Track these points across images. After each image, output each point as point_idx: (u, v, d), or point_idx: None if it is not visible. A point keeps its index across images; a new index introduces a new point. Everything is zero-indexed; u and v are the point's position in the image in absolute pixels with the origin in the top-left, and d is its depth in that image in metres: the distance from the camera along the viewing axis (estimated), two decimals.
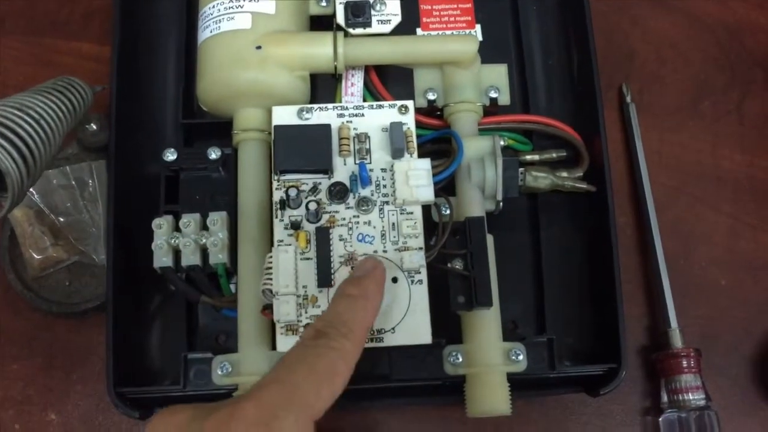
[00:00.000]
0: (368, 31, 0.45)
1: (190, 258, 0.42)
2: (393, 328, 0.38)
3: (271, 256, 0.38)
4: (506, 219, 0.45)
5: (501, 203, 0.43)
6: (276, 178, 0.40)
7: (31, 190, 0.48)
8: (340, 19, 0.45)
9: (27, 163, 0.36)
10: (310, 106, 0.42)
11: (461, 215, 0.42)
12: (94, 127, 0.48)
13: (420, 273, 0.39)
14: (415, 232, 0.39)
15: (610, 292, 0.43)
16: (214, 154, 0.44)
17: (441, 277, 0.40)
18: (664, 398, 0.46)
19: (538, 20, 0.52)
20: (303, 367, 0.30)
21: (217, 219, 0.42)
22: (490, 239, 0.41)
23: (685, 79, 0.55)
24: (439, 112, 0.46)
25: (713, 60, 0.56)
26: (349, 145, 0.41)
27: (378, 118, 0.42)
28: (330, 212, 0.40)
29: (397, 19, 0.46)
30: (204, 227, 0.42)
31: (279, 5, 0.44)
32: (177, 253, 0.42)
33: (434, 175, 0.41)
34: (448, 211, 0.42)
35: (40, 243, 0.47)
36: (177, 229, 0.42)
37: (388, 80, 0.47)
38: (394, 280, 0.39)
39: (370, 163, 0.41)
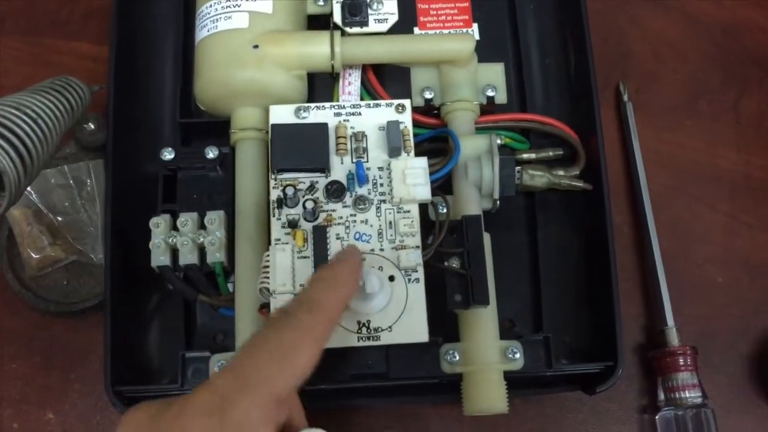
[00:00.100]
0: (365, 30, 0.45)
1: (188, 257, 0.42)
2: (390, 327, 0.38)
3: (268, 255, 0.38)
4: (503, 217, 0.45)
5: (498, 202, 0.43)
6: (273, 176, 0.40)
7: (29, 189, 0.48)
8: (337, 18, 0.45)
9: (24, 162, 0.36)
10: (307, 105, 0.42)
11: (458, 214, 0.42)
12: (92, 126, 0.49)
13: (417, 271, 0.39)
14: (412, 230, 0.39)
15: (607, 290, 0.43)
16: (211, 153, 0.44)
17: (438, 275, 0.40)
18: (661, 396, 0.47)
19: (535, 19, 0.52)
20: (261, 347, 0.29)
21: (215, 218, 0.42)
22: (486, 238, 0.41)
23: (682, 78, 0.55)
24: (436, 111, 0.46)
25: (710, 59, 0.56)
26: (346, 143, 0.41)
27: (375, 117, 0.42)
28: (327, 211, 0.40)
29: (394, 18, 0.46)
30: (201, 226, 0.42)
31: (276, 4, 0.44)
32: (174, 252, 0.42)
33: (431, 173, 0.41)
34: (445, 210, 0.42)
35: (38, 242, 0.47)
36: (174, 228, 0.42)
37: (386, 79, 0.47)
38: (391, 278, 0.39)
39: (367, 161, 0.41)
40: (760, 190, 0.53)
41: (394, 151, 0.41)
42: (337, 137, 0.41)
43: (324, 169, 0.40)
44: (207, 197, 0.44)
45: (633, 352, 0.49)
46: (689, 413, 0.45)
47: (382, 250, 0.39)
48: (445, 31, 0.49)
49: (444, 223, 0.40)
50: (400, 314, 0.38)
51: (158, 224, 0.42)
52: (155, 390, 0.43)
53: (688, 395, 0.45)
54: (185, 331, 0.45)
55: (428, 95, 0.46)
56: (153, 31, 0.51)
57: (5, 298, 0.48)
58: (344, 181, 0.40)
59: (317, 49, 0.44)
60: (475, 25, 0.50)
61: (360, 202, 0.40)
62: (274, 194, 0.40)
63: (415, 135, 0.42)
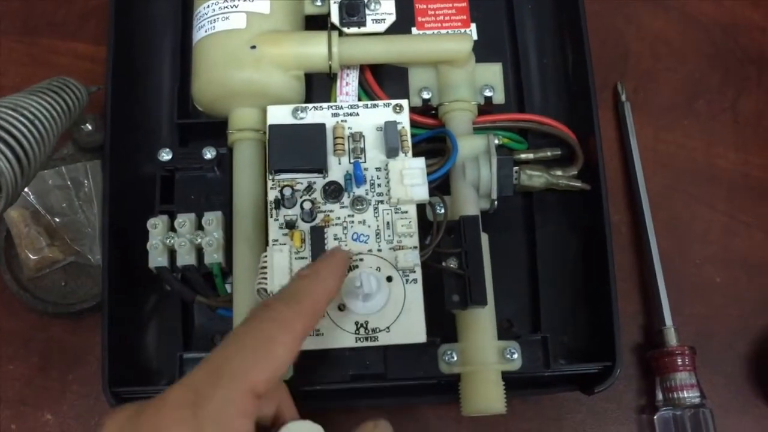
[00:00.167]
0: (363, 30, 0.45)
1: (186, 258, 0.42)
2: (388, 327, 0.38)
3: (266, 256, 0.38)
4: (501, 218, 0.45)
5: (496, 202, 0.43)
6: (271, 177, 0.40)
7: (26, 190, 0.48)
8: (335, 18, 0.45)
9: (21, 163, 0.36)
10: (304, 105, 0.42)
11: (456, 214, 0.42)
12: (90, 127, 0.48)
13: (415, 272, 0.39)
14: (409, 231, 0.39)
15: (605, 290, 0.43)
16: (209, 153, 0.44)
17: (436, 275, 0.40)
18: (659, 396, 0.47)
19: (533, 19, 0.52)
20: (237, 341, 0.29)
21: (212, 219, 0.42)
22: (484, 238, 0.41)
23: (680, 78, 0.55)
24: (433, 111, 0.46)
25: (708, 58, 0.56)
26: (343, 144, 0.41)
27: (373, 118, 0.42)
28: (325, 211, 0.40)
29: (391, 18, 0.46)
30: (199, 227, 0.42)
31: (274, 5, 0.44)
32: (172, 253, 0.42)
33: (429, 173, 0.41)
34: (442, 210, 0.42)
35: (36, 243, 0.47)
36: (172, 229, 0.42)
37: (384, 79, 0.47)
38: (389, 279, 0.39)
39: (365, 162, 0.41)
40: (758, 189, 0.53)
41: (391, 152, 0.41)
42: (335, 138, 0.41)
43: (321, 169, 0.40)
44: (205, 198, 0.44)
45: (631, 352, 0.49)
46: (687, 413, 0.45)
47: (379, 250, 0.39)
48: (443, 31, 0.49)
49: (442, 224, 0.40)
50: (398, 315, 0.38)
51: (156, 225, 0.42)
52: (153, 391, 0.42)
53: (686, 395, 0.45)
54: (183, 332, 0.45)
55: (426, 95, 0.46)
56: (150, 31, 0.51)
57: (3, 300, 0.48)
58: (342, 182, 0.40)
59: (315, 49, 0.43)
60: (473, 25, 0.50)
61: (358, 202, 0.40)
62: (272, 195, 0.40)
63: (412, 135, 0.42)
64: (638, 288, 0.50)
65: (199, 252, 0.42)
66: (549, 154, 0.47)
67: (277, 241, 0.39)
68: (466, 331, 0.41)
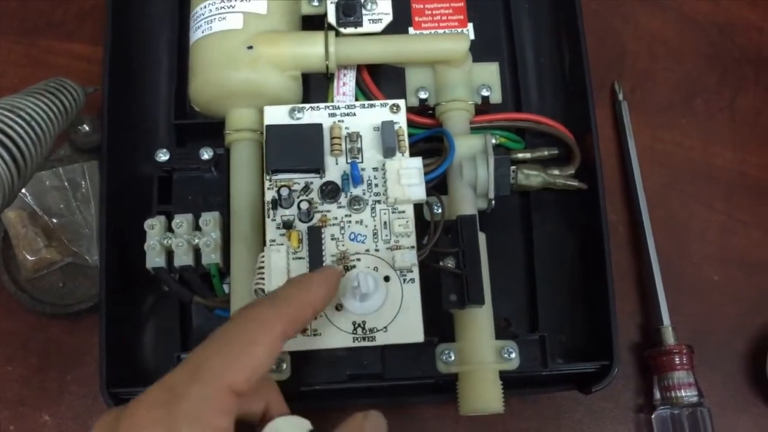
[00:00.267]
0: (359, 30, 0.45)
1: (183, 258, 0.42)
2: (385, 327, 0.38)
3: (263, 256, 0.38)
4: (498, 217, 0.45)
5: (493, 201, 0.43)
6: (268, 177, 0.40)
7: (24, 191, 0.48)
8: (332, 18, 0.45)
9: (18, 164, 0.36)
10: (301, 105, 0.42)
11: (453, 214, 0.42)
12: (87, 128, 0.48)
13: (412, 272, 0.39)
14: (406, 230, 0.39)
15: (603, 289, 0.43)
16: (206, 154, 0.44)
17: (433, 275, 0.40)
18: (657, 395, 0.47)
19: (530, 18, 0.52)
20: (216, 340, 0.30)
21: (210, 219, 0.42)
22: (482, 237, 0.41)
23: (677, 77, 0.55)
24: (430, 111, 0.46)
25: (705, 58, 0.56)
26: (340, 144, 0.41)
27: (370, 117, 0.42)
28: (322, 211, 0.40)
29: (388, 18, 0.46)
30: (197, 227, 0.42)
31: (270, 5, 0.44)
32: (170, 254, 0.42)
33: (426, 173, 0.41)
34: (439, 210, 0.42)
35: (34, 244, 0.47)
36: (170, 229, 0.42)
37: (381, 79, 0.47)
38: (386, 278, 0.39)
39: (362, 162, 0.41)
40: (756, 188, 0.53)
41: (388, 152, 0.41)
42: (332, 138, 0.41)
43: (319, 169, 0.40)
44: (202, 198, 0.44)
45: (629, 351, 0.49)
46: (685, 412, 0.45)
47: (377, 250, 0.39)
48: (440, 31, 0.49)
49: (439, 223, 0.40)
50: (395, 315, 0.38)
51: (153, 226, 0.42)
52: None
53: (684, 394, 0.45)
54: (180, 333, 0.45)
55: (423, 95, 0.46)
56: (148, 31, 0.50)
57: (1, 301, 0.48)
58: (339, 182, 0.40)
59: (311, 49, 0.43)
60: (470, 25, 0.50)
61: (355, 202, 0.40)
62: (269, 195, 0.40)
63: (409, 135, 0.42)
64: (636, 287, 0.50)
65: (197, 252, 0.42)
66: (546, 153, 0.47)
67: (274, 241, 0.39)
68: (463, 331, 0.41)
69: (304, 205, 0.39)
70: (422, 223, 0.41)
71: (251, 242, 0.41)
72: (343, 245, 0.39)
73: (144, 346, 0.45)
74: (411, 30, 0.49)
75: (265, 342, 0.30)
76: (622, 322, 0.45)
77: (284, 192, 0.39)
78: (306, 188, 0.40)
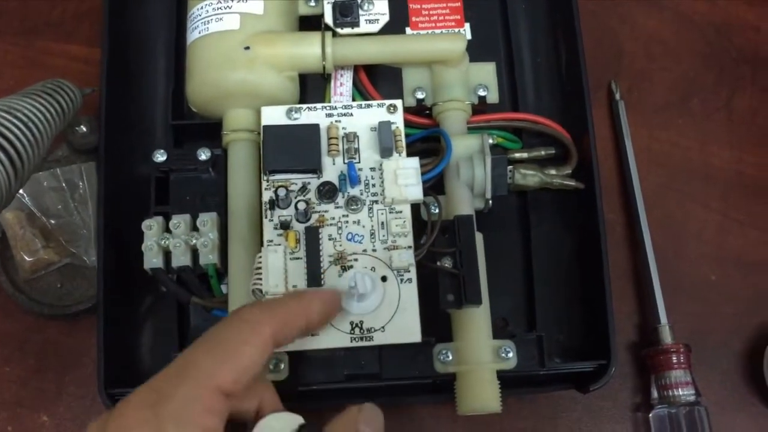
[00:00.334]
0: (356, 30, 0.45)
1: (181, 259, 0.42)
2: (383, 327, 0.38)
3: (260, 256, 0.38)
4: (496, 217, 0.45)
5: (490, 201, 0.43)
6: (265, 178, 0.40)
7: (21, 192, 0.48)
8: (328, 18, 0.45)
9: (15, 165, 0.36)
10: (298, 106, 0.42)
11: (450, 214, 0.42)
12: (84, 129, 0.48)
13: (409, 272, 0.39)
14: (404, 230, 0.40)
15: (600, 289, 0.43)
16: (203, 155, 0.44)
17: (430, 275, 0.40)
18: (654, 394, 0.47)
19: (527, 18, 0.52)
20: (205, 341, 0.30)
21: (207, 220, 0.42)
22: (479, 237, 0.42)
23: (674, 77, 0.55)
24: (428, 111, 0.46)
25: (702, 57, 0.56)
26: (337, 144, 0.41)
27: (367, 118, 0.42)
28: (319, 212, 0.40)
29: (385, 19, 0.46)
30: (194, 228, 0.42)
31: (267, 6, 0.44)
32: (167, 255, 0.42)
33: (423, 173, 0.41)
34: (437, 210, 0.42)
35: (32, 245, 0.47)
36: (167, 230, 0.42)
37: (378, 79, 0.47)
38: (384, 279, 0.39)
39: (359, 162, 0.41)
40: (752, 187, 0.53)
41: (385, 152, 0.41)
42: (329, 138, 0.41)
43: (316, 170, 0.40)
44: (200, 199, 0.44)
45: (626, 350, 0.49)
46: (682, 411, 0.45)
47: (374, 250, 0.39)
48: (437, 31, 0.49)
49: (436, 223, 0.40)
50: (392, 314, 0.38)
51: (151, 226, 0.42)
52: None
53: (681, 393, 0.45)
54: (178, 333, 0.45)
55: (420, 95, 0.46)
56: (145, 32, 0.51)
57: None
58: (336, 182, 0.40)
59: (308, 50, 0.44)
60: (467, 25, 0.50)
61: (352, 202, 0.40)
62: (266, 195, 0.40)
63: (407, 135, 0.42)
64: (633, 286, 0.50)
65: (194, 253, 0.42)
66: (543, 153, 0.47)
67: (271, 241, 0.39)
68: (461, 331, 0.41)
69: (302, 206, 0.39)
70: (419, 223, 0.41)
71: (249, 242, 0.41)
72: (340, 245, 0.39)
73: (142, 347, 0.45)
74: (408, 30, 0.49)
75: (254, 343, 0.30)
76: (619, 322, 0.45)
77: (281, 192, 0.39)
78: (303, 188, 0.40)
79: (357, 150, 0.41)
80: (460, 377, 0.40)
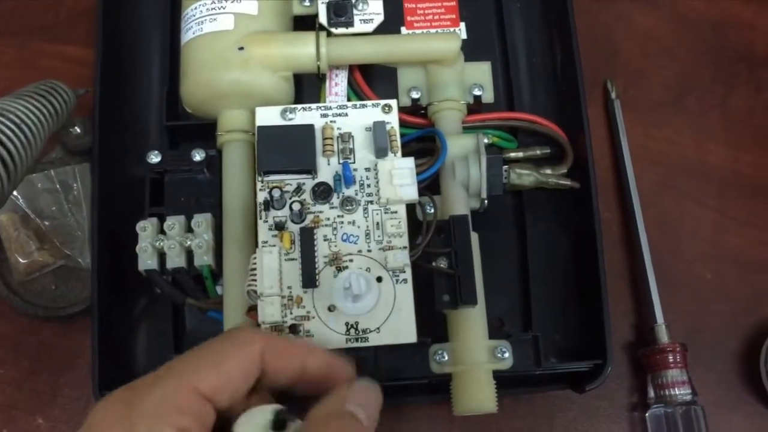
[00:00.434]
0: (351, 30, 0.45)
1: (175, 260, 0.42)
2: (378, 328, 0.38)
3: (255, 258, 0.38)
4: (491, 217, 0.45)
5: (486, 201, 0.43)
6: (260, 179, 0.40)
7: (15, 194, 0.48)
8: (323, 18, 0.45)
9: (7, 168, 0.36)
10: (293, 106, 0.42)
11: (446, 214, 0.42)
12: (78, 130, 0.48)
13: (405, 272, 0.39)
14: (399, 231, 0.39)
15: (596, 288, 0.43)
16: (198, 155, 0.44)
17: (426, 275, 0.40)
18: (651, 394, 0.47)
19: (522, 17, 0.52)
20: (192, 350, 0.30)
21: (202, 221, 0.42)
22: (475, 237, 0.41)
23: (670, 75, 0.55)
24: (423, 111, 0.46)
25: (698, 55, 0.56)
26: (332, 144, 0.41)
27: (361, 118, 0.42)
28: (314, 212, 0.40)
29: (379, 18, 0.46)
30: (189, 229, 0.42)
31: (261, 6, 0.44)
32: (162, 256, 0.42)
33: (418, 173, 0.41)
34: (432, 210, 0.42)
35: (26, 247, 0.47)
36: (162, 231, 0.42)
37: (373, 79, 0.47)
38: (379, 279, 0.39)
39: (354, 162, 0.41)
40: (749, 186, 0.53)
41: (380, 152, 0.41)
42: (324, 138, 0.41)
43: (311, 170, 0.40)
44: (194, 200, 0.44)
45: (622, 349, 0.49)
46: (679, 410, 0.45)
47: (369, 251, 0.39)
48: (432, 31, 0.49)
49: (431, 224, 0.40)
50: (388, 315, 0.38)
51: (145, 228, 0.42)
52: None
53: (677, 392, 0.45)
54: (174, 335, 0.44)
55: (415, 95, 0.46)
56: (139, 33, 0.50)
57: None
58: (331, 183, 0.40)
59: (302, 50, 0.43)
60: (462, 24, 0.50)
61: (347, 203, 0.40)
62: (261, 196, 0.40)
63: (402, 135, 0.42)
64: (629, 286, 0.50)
65: (189, 254, 0.42)
66: (538, 152, 0.47)
67: (266, 242, 0.39)
68: (456, 331, 0.41)
69: (296, 206, 0.39)
70: (415, 224, 0.41)
71: (244, 243, 0.41)
72: (335, 246, 0.39)
73: (137, 349, 0.45)
74: (403, 30, 0.49)
75: (240, 356, 0.30)
76: (615, 321, 0.45)
77: (276, 193, 0.39)
78: (298, 189, 0.40)
79: (352, 150, 0.41)
80: (456, 377, 0.40)
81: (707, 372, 0.48)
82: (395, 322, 0.38)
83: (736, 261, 0.51)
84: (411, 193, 0.40)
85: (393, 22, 0.48)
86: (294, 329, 0.38)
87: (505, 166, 0.44)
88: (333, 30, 0.45)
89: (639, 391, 0.48)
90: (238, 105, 0.44)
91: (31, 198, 0.48)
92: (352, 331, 0.38)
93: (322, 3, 0.45)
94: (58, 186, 0.48)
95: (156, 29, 0.50)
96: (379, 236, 0.39)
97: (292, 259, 0.39)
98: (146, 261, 0.42)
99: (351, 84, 0.46)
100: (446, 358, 0.41)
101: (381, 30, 0.46)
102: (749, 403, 0.48)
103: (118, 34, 0.49)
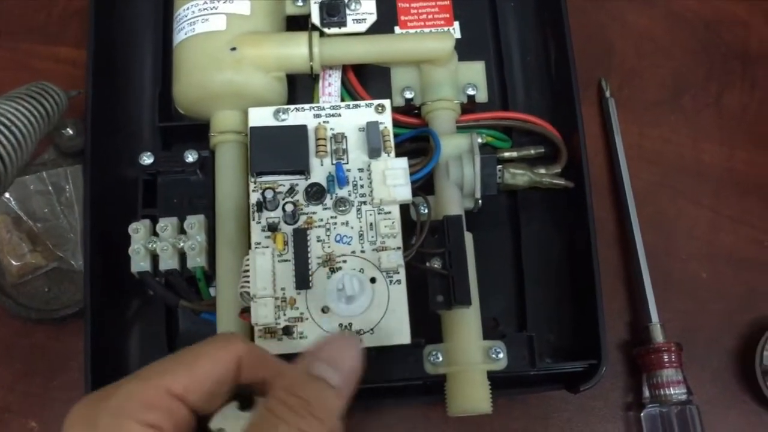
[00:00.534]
0: (343, 30, 0.45)
1: (168, 262, 0.41)
2: (372, 329, 0.38)
3: (248, 259, 0.38)
4: (486, 216, 0.45)
5: (480, 201, 0.43)
6: (253, 180, 0.40)
7: (8, 196, 0.47)
8: (315, 18, 0.45)
9: None
10: (286, 107, 0.42)
11: (440, 214, 0.41)
12: (71, 131, 0.48)
13: (398, 273, 0.39)
14: (392, 231, 0.39)
15: (590, 288, 0.43)
16: (191, 156, 0.44)
17: (420, 276, 0.40)
18: (646, 393, 0.46)
19: (516, 16, 0.52)
20: (167, 356, 0.29)
21: (194, 222, 0.42)
22: (469, 237, 0.41)
23: (665, 74, 0.55)
24: (416, 111, 0.46)
25: (692, 53, 0.56)
26: (325, 145, 0.41)
27: (355, 118, 0.42)
28: (307, 213, 0.40)
29: (372, 18, 0.45)
30: (182, 231, 0.42)
31: (254, 6, 0.44)
32: (155, 258, 0.42)
33: (412, 173, 0.41)
34: (426, 210, 0.42)
35: (18, 249, 0.47)
36: (155, 233, 0.42)
37: (367, 79, 0.47)
38: (373, 280, 0.39)
39: (347, 163, 0.41)
40: (744, 184, 0.53)
41: (373, 152, 0.41)
42: (317, 139, 0.41)
43: (304, 171, 0.40)
44: (187, 201, 0.44)
45: (618, 349, 0.49)
46: (674, 410, 0.45)
47: (363, 251, 0.39)
48: (426, 30, 0.49)
49: (425, 224, 0.40)
50: (381, 316, 0.38)
51: (137, 230, 0.41)
52: None
53: (672, 392, 0.45)
54: (167, 337, 0.44)
55: (409, 95, 0.46)
56: (131, 34, 0.50)
57: None
58: (324, 183, 0.40)
59: (295, 50, 0.43)
60: (456, 24, 0.50)
61: (340, 204, 0.40)
62: (254, 197, 0.40)
63: (395, 135, 0.42)
64: (624, 285, 0.50)
65: (182, 256, 0.42)
66: (533, 152, 0.47)
67: (259, 244, 0.39)
68: (450, 332, 0.41)
69: (289, 207, 0.39)
70: (408, 224, 0.40)
71: (237, 245, 0.41)
72: (329, 247, 0.39)
73: (130, 351, 0.45)
74: (397, 29, 0.49)
75: (214, 357, 0.29)
76: (610, 320, 0.45)
77: (269, 194, 0.39)
78: (291, 190, 0.40)
79: (345, 151, 0.41)
80: (450, 378, 0.40)
81: (702, 371, 0.48)
82: (389, 323, 0.38)
83: (731, 259, 0.51)
84: (404, 193, 0.40)
85: (387, 21, 0.48)
86: (287, 331, 0.38)
87: (499, 166, 0.44)
88: (326, 30, 0.45)
89: (634, 390, 0.48)
90: (231, 106, 0.43)
91: (24, 200, 0.48)
92: (346, 332, 0.38)
93: (315, 3, 0.45)
94: (50, 188, 0.48)
95: (148, 30, 0.50)
96: (372, 237, 0.39)
97: (286, 261, 0.39)
98: (139, 263, 0.41)
99: (344, 84, 0.46)
100: (440, 359, 0.41)
101: (375, 29, 0.46)
102: (744, 402, 0.48)
103: (110, 35, 0.49)
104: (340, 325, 0.38)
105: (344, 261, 0.39)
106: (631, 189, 0.50)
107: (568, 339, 0.45)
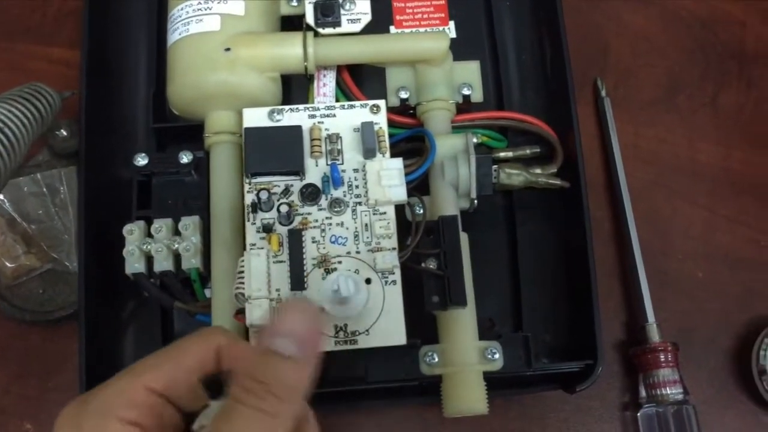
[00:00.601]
0: (338, 30, 0.45)
1: (163, 264, 0.41)
2: (367, 330, 0.38)
3: (243, 260, 0.38)
4: (481, 217, 0.45)
5: (476, 201, 0.43)
6: (247, 180, 0.40)
7: (2, 197, 0.47)
8: (310, 19, 0.45)
9: None
10: (281, 107, 0.42)
11: (435, 214, 0.41)
12: (65, 133, 0.48)
13: (394, 273, 0.39)
14: (388, 232, 0.39)
15: (586, 288, 0.43)
16: (185, 158, 0.44)
17: (415, 277, 0.39)
18: (643, 393, 0.46)
19: (511, 16, 0.52)
20: (150, 354, 0.30)
21: (189, 224, 0.42)
22: (464, 238, 0.41)
23: (660, 73, 0.55)
24: (411, 111, 0.46)
25: (688, 53, 0.56)
26: (320, 146, 0.41)
27: (349, 118, 0.42)
28: (302, 214, 0.40)
29: (366, 18, 0.45)
30: (176, 232, 0.42)
31: (248, 6, 0.44)
32: (149, 259, 0.42)
33: (407, 174, 0.40)
34: (421, 211, 0.41)
35: (13, 251, 0.47)
36: (149, 234, 0.42)
37: (362, 79, 0.47)
38: (368, 281, 0.38)
39: (342, 163, 0.41)
40: (739, 183, 0.53)
41: (368, 153, 0.40)
42: (312, 139, 0.41)
43: (298, 172, 0.40)
44: (182, 202, 0.44)
45: (614, 349, 0.49)
46: (671, 410, 0.45)
47: (358, 252, 0.39)
48: (422, 30, 0.49)
49: (420, 224, 0.40)
50: (377, 317, 0.38)
51: (132, 231, 0.41)
52: None
53: (669, 392, 0.45)
54: (162, 338, 0.44)
55: (404, 95, 0.46)
56: (125, 34, 0.50)
57: None
58: (319, 184, 0.40)
59: (289, 50, 0.43)
60: (452, 23, 0.49)
61: (335, 204, 0.40)
62: (249, 198, 0.40)
63: (391, 135, 0.42)
64: (620, 284, 0.50)
65: (177, 257, 0.42)
66: (528, 152, 0.47)
67: (254, 245, 0.39)
68: (446, 332, 0.41)
69: (284, 208, 0.39)
70: (404, 225, 0.40)
71: (231, 246, 0.41)
72: (324, 248, 0.39)
73: (125, 353, 0.45)
74: (392, 29, 0.49)
75: (195, 351, 0.29)
76: (606, 320, 0.45)
77: (264, 195, 0.39)
78: (286, 191, 0.40)
79: (340, 151, 0.41)
80: (446, 379, 0.40)
81: (699, 370, 0.48)
82: (384, 324, 0.38)
83: (727, 259, 0.51)
84: (400, 193, 0.39)
85: (382, 21, 0.48)
86: None
87: (495, 166, 0.44)
88: (320, 30, 0.45)
89: (630, 390, 0.48)
90: (225, 106, 0.43)
91: (18, 202, 0.48)
92: (341, 333, 0.38)
93: (309, 3, 0.45)
94: (44, 189, 0.48)
95: (142, 30, 0.50)
96: (367, 237, 0.39)
97: (281, 262, 0.38)
98: (133, 264, 0.41)
99: (339, 84, 0.46)
100: (436, 359, 0.40)
101: (371, 29, 0.46)
102: (741, 402, 0.48)
103: (105, 36, 0.49)
104: (336, 326, 0.38)
105: (339, 262, 0.39)
106: (626, 188, 0.50)
107: (564, 339, 0.45)
